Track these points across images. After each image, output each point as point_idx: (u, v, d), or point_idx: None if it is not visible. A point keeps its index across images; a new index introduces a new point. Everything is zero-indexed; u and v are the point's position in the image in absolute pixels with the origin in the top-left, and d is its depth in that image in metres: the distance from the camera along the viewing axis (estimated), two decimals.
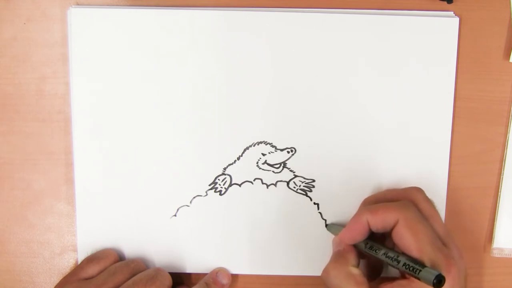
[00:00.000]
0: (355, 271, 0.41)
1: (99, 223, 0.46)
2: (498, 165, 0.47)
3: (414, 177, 0.46)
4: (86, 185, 0.46)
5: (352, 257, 0.42)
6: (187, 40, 0.45)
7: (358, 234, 0.42)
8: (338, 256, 0.42)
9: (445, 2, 0.45)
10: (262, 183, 0.46)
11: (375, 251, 0.41)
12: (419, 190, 0.43)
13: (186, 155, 0.46)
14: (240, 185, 0.46)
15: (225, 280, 0.45)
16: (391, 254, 0.40)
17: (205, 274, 0.46)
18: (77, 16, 0.45)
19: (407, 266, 0.38)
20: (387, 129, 0.46)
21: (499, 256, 0.47)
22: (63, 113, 0.46)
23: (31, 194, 0.47)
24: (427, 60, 0.45)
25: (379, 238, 0.42)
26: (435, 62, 0.45)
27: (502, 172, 0.47)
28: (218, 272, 0.46)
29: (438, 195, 0.46)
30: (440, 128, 0.46)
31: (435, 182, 0.46)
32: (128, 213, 0.46)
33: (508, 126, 0.47)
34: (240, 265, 0.47)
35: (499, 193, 0.47)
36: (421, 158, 0.46)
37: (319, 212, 0.46)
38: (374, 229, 0.41)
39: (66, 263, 0.47)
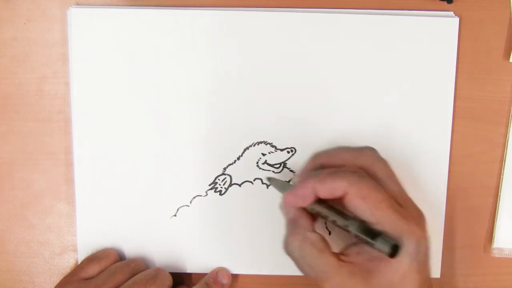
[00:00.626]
0: (314, 236, 0.39)
1: (99, 223, 0.46)
2: (498, 165, 0.47)
3: (414, 177, 0.46)
4: (86, 185, 0.46)
5: (306, 222, 0.39)
6: (187, 40, 0.45)
7: (303, 200, 0.39)
8: (292, 225, 0.40)
9: (445, 2, 0.45)
10: (262, 183, 0.46)
11: (325, 214, 0.39)
12: (372, 150, 0.41)
13: (186, 155, 0.46)
14: (240, 185, 0.46)
15: (225, 280, 0.45)
16: (340, 222, 0.38)
17: (205, 274, 0.46)
18: (77, 16, 0.45)
19: (360, 232, 0.37)
20: (387, 129, 0.46)
21: (499, 256, 0.47)
22: (63, 113, 0.46)
23: (31, 194, 0.47)
24: (427, 60, 0.45)
25: (330, 200, 0.40)
26: (435, 62, 0.45)
27: (502, 172, 0.47)
28: (218, 272, 0.46)
29: (438, 195, 0.46)
30: (440, 128, 0.46)
31: (435, 182, 0.46)
32: (128, 213, 0.46)
33: (508, 126, 0.47)
34: (240, 265, 0.47)
35: (499, 193, 0.47)
36: (421, 158, 0.46)
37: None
38: (322, 196, 0.39)
39: (66, 263, 0.47)
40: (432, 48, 0.45)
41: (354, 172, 0.39)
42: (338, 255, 0.39)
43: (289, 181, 0.46)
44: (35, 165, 0.47)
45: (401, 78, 0.46)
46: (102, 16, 0.45)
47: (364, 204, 0.37)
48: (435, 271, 0.47)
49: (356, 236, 0.38)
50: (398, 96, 0.46)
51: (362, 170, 0.39)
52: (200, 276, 0.46)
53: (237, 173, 0.46)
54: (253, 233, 0.46)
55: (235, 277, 0.47)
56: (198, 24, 0.45)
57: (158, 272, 0.43)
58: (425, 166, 0.46)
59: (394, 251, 0.36)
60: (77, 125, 0.45)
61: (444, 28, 0.45)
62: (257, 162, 0.46)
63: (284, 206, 0.41)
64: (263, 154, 0.46)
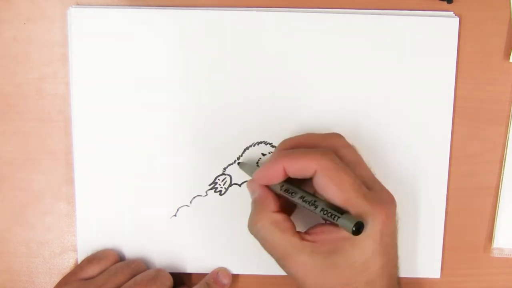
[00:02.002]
0: (277, 216, 0.39)
1: (99, 223, 0.46)
2: (498, 165, 0.47)
3: (414, 177, 0.46)
4: (86, 185, 0.46)
5: (271, 202, 0.40)
6: (187, 40, 0.45)
7: (272, 178, 0.40)
8: (257, 205, 0.40)
9: (445, 2, 0.45)
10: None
11: (291, 194, 0.39)
12: (338, 136, 0.42)
13: (186, 155, 0.46)
14: (240, 185, 0.46)
15: (225, 280, 0.45)
16: (308, 198, 0.38)
17: (205, 274, 0.46)
18: (77, 16, 0.45)
19: (325, 212, 0.37)
20: (387, 129, 0.46)
21: (499, 256, 0.47)
22: (63, 113, 0.46)
23: (31, 194, 0.47)
24: (427, 60, 0.45)
25: (298, 180, 0.40)
26: (435, 62, 0.45)
27: (502, 172, 0.47)
28: (218, 272, 0.46)
29: (438, 195, 0.46)
30: (440, 128, 0.46)
31: (435, 182, 0.46)
32: (128, 213, 0.46)
33: (508, 126, 0.47)
34: (240, 265, 0.47)
35: (499, 193, 0.47)
36: (421, 158, 0.46)
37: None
38: (291, 175, 0.39)
39: (66, 263, 0.47)
40: (432, 48, 0.45)
41: (324, 153, 0.39)
42: (301, 235, 0.39)
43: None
44: (35, 165, 0.47)
45: (401, 78, 0.46)
46: (102, 16, 0.45)
47: (332, 185, 0.37)
48: (435, 271, 0.47)
49: (322, 215, 0.37)
50: (398, 96, 0.46)
51: (332, 152, 0.39)
52: (200, 276, 0.46)
53: (237, 173, 0.46)
54: None
55: (235, 277, 0.47)
56: (198, 24, 0.45)
57: (158, 272, 0.43)
58: (425, 166, 0.46)
59: (358, 229, 0.35)
60: (77, 125, 0.45)
61: (444, 28, 0.45)
62: (257, 162, 0.46)
63: (251, 186, 0.42)
64: (263, 154, 0.46)
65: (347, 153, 0.40)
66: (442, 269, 0.47)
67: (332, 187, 0.37)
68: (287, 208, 0.43)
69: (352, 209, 0.37)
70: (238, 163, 0.45)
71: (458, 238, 0.47)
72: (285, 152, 0.40)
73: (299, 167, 0.39)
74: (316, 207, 0.38)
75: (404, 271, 0.47)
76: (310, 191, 0.40)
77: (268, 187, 0.41)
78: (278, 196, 0.41)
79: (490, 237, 0.47)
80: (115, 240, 0.46)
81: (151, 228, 0.46)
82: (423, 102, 0.46)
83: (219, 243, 0.46)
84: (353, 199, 0.37)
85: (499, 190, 0.47)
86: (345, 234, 0.37)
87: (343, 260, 0.37)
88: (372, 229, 0.37)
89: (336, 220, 0.36)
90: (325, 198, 0.38)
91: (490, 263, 0.48)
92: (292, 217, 0.41)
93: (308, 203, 0.38)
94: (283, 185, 0.40)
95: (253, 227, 0.40)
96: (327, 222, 0.39)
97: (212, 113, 0.46)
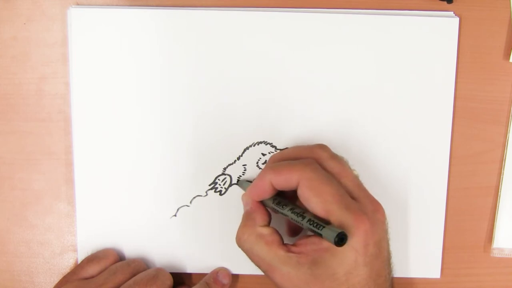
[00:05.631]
0: (264, 230, 0.40)
1: (99, 223, 0.46)
2: (498, 165, 0.47)
3: (414, 177, 0.46)
4: (86, 185, 0.46)
5: (259, 217, 0.41)
6: (187, 40, 0.45)
7: (262, 192, 0.41)
8: (246, 218, 0.41)
9: (445, 2, 0.45)
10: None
11: (282, 206, 0.40)
12: (323, 147, 0.42)
13: (186, 155, 0.46)
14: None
15: (225, 280, 0.45)
16: (297, 210, 0.39)
17: (205, 274, 0.46)
18: (77, 16, 0.45)
19: (311, 223, 0.37)
20: (387, 129, 0.46)
21: (499, 256, 0.47)
22: (63, 113, 0.46)
23: (31, 194, 0.47)
24: (427, 60, 0.45)
25: (292, 194, 0.41)
26: (435, 62, 0.45)
27: (502, 172, 0.47)
28: (218, 272, 0.46)
29: (438, 195, 0.46)
30: (440, 128, 0.46)
31: (435, 182, 0.46)
32: (128, 213, 0.46)
33: (508, 126, 0.47)
34: (240, 265, 0.47)
35: (499, 193, 0.47)
36: (421, 158, 0.46)
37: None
38: (279, 188, 0.40)
39: (66, 263, 0.47)
40: (432, 48, 0.45)
41: (307, 164, 0.39)
42: (288, 247, 0.39)
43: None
44: (35, 165, 0.47)
45: (401, 78, 0.46)
46: (102, 16, 0.45)
47: (313, 197, 0.38)
48: (435, 271, 0.47)
49: (308, 225, 0.38)
50: (398, 96, 0.46)
51: (316, 163, 0.40)
52: (200, 276, 0.46)
53: (237, 173, 0.46)
54: None
55: (235, 277, 0.47)
56: (198, 24, 0.45)
57: (158, 272, 0.43)
58: (425, 166, 0.46)
59: (341, 240, 0.35)
60: (77, 125, 0.45)
61: (444, 28, 0.45)
62: (257, 162, 0.46)
63: (244, 199, 0.42)
64: (263, 154, 0.46)
65: (330, 164, 0.40)
66: (442, 269, 0.47)
67: (313, 198, 0.38)
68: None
69: (333, 219, 0.37)
70: (237, 181, 0.46)
71: (458, 238, 0.47)
72: (271, 165, 0.41)
73: (283, 179, 0.39)
74: (303, 218, 0.38)
75: (404, 271, 0.47)
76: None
77: (261, 201, 0.42)
78: (267, 211, 0.42)
79: (490, 237, 0.47)
80: (115, 240, 0.46)
81: (151, 228, 0.46)
82: (423, 102, 0.46)
83: (219, 243, 0.46)
84: (335, 210, 0.37)
85: (499, 190, 0.47)
86: (327, 245, 0.37)
87: (324, 271, 0.37)
88: (354, 240, 0.37)
89: (320, 230, 0.37)
90: (309, 209, 0.38)
91: (490, 263, 0.48)
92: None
93: (296, 215, 0.39)
94: (275, 199, 0.41)
95: (239, 240, 0.41)
96: (314, 234, 0.39)
97: (212, 113, 0.46)
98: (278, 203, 0.40)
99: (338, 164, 0.41)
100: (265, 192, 0.41)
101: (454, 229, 0.47)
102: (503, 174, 0.47)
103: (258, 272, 0.47)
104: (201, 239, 0.46)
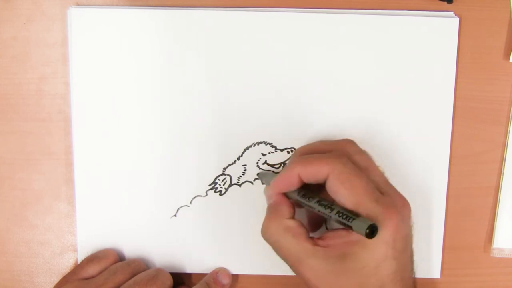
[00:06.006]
0: (291, 223, 0.40)
1: (99, 223, 0.46)
2: (498, 165, 0.47)
3: (414, 177, 0.46)
4: (86, 185, 0.46)
5: (285, 209, 0.40)
6: (187, 40, 0.45)
7: (289, 184, 0.40)
8: (271, 211, 0.41)
9: (445, 2, 0.45)
10: (262, 183, 0.46)
11: (308, 199, 0.40)
12: (351, 141, 0.42)
13: (186, 155, 0.46)
14: (240, 185, 0.46)
15: (225, 280, 0.45)
16: (324, 202, 0.39)
17: (205, 274, 0.46)
18: (77, 16, 0.45)
19: (340, 214, 0.37)
20: (387, 129, 0.46)
21: (499, 256, 0.47)
22: (63, 113, 0.46)
23: (31, 194, 0.47)
24: (427, 60, 0.45)
25: (316, 188, 0.41)
26: (435, 62, 0.45)
27: (502, 172, 0.47)
28: (218, 272, 0.46)
29: (438, 195, 0.46)
30: (440, 128, 0.46)
31: (435, 182, 0.46)
32: (128, 213, 0.46)
33: (508, 126, 0.47)
34: (240, 265, 0.47)
35: (499, 193, 0.47)
36: (421, 158, 0.46)
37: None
38: (306, 181, 0.40)
39: (66, 263, 0.47)
40: (432, 48, 0.45)
41: (338, 157, 0.39)
42: (314, 240, 0.39)
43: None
44: (35, 165, 0.47)
45: (401, 78, 0.46)
46: (102, 16, 0.45)
47: (344, 189, 0.38)
48: (435, 271, 0.47)
49: (337, 217, 0.37)
50: (397, 96, 0.46)
51: (346, 156, 0.40)
52: (200, 276, 0.46)
53: (237, 173, 0.46)
54: (253, 233, 0.46)
55: (235, 277, 0.47)
56: (198, 24, 0.45)
57: (158, 272, 0.43)
58: (425, 166, 0.46)
59: (372, 232, 0.35)
60: (77, 125, 0.45)
61: (444, 28, 0.45)
62: (257, 162, 0.46)
63: (267, 192, 0.42)
64: (263, 154, 0.46)
65: (359, 158, 0.40)
66: (442, 269, 0.47)
67: (344, 190, 0.38)
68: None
69: (364, 212, 0.37)
70: (258, 174, 0.46)
71: (458, 238, 0.47)
72: (299, 158, 0.41)
73: (312, 171, 0.39)
74: (332, 210, 0.38)
75: None
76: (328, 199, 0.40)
77: (284, 194, 0.41)
78: (292, 204, 0.41)
79: (490, 237, 0.47)
80: (115, 240, 0.46)
81: (151, 228, 0.46)
82: (423, 102, 0.46)
83: (219, 243, 0.46)
84: (365, 203, 0.37)
85: (499, 190, 0.47)
86: (357, 238, 0.37)
87: (355, 264, 0.37)
88: (384, 233, 0.37)
89: (351, 222, 0.36)
90: (337, 203, 0.38)
91: (490, 263, 0.48)
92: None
93: (324, 207, 0.38)
94: (300, 191, 0.41)
95: (266, 233, 0.40)
96: (341, 227, 0.39)
97: (212, 113, 0.46)
98: (304, 196, 0.40)
99: (367, 159, 0.41)
100: (292, 185, 0.40)
101: (454, 229, 0.47)
102: (503, 174, 0.47)
103: (258, 272, 0.47)
104: (201, 239, 0.46)
